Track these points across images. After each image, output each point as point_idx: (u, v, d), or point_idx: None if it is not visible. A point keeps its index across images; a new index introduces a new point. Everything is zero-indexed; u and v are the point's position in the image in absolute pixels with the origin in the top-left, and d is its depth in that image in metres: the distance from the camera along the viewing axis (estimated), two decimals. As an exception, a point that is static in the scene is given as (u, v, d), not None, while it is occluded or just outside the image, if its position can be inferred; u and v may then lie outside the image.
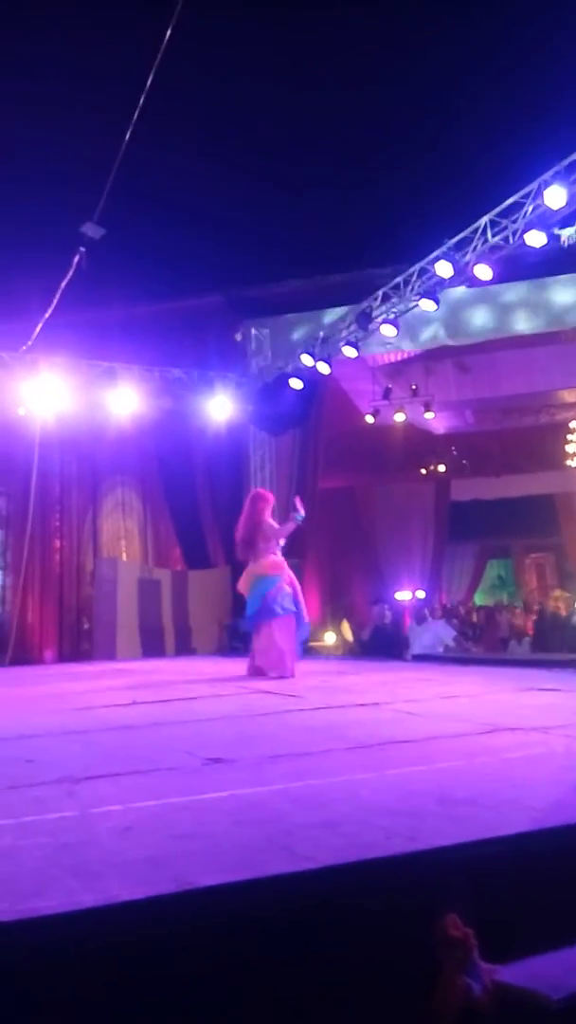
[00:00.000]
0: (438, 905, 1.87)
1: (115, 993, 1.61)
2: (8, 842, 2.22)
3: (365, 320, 11.77)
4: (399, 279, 11.23)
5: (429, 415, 15.76)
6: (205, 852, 2.06)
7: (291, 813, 2.43)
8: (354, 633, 17.15)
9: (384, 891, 1.92)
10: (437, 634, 12.55)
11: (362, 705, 5.37)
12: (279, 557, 8.33)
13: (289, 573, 8.31)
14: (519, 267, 10.60)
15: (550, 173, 8.82)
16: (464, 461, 20.24)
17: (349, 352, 12.23)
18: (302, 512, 8.22)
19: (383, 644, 12.79)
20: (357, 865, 1.94)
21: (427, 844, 2.07)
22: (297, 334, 14.29)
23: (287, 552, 8.76)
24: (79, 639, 15.00)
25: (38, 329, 11.73)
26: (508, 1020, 1.77)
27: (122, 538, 15.94)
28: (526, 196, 9.29)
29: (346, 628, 18.00)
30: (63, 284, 10.34)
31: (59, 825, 2.39)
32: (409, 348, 13.47)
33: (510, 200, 9.48)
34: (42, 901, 1.72)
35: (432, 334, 13.07)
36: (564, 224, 9.10)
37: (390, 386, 15.13)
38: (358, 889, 1.91)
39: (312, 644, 15.79)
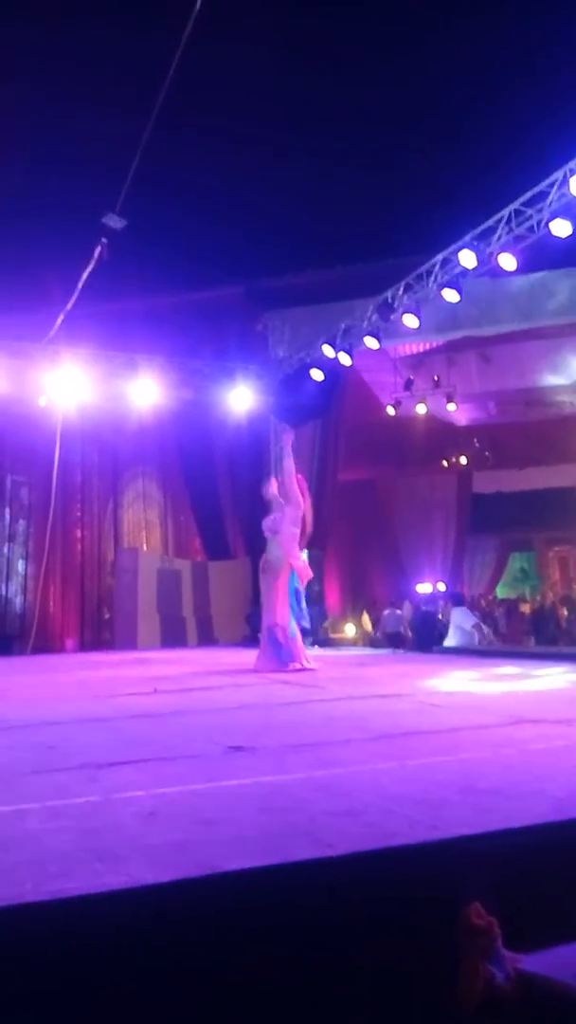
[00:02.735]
0: (462, 894, 1.87)
1: (139, 973, 1.62)
2: (34, 825, 2.25)
3: (387, 311, 11.70)
4: (422, 269, 11.15)
5: (451, 407, 15.66)
6: (229, 838, 2.07)
7: (314, 801, 2.43)
8: (373, 625, 17.14)
9: (407, 879, 1.92)
10: (456, 622, 12.51)
11: (383, 696, 5.37)
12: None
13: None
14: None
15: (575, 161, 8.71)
16: (486, 453, 20.10)
17: (371, 343, 12.17)
18: None
19: (424, 634, 12.91)
20: (381, 853, 1.94)
21: (450, 833, 2.07)
22: (318, 325, 14.24)
23: (309, 542, 8.80)
24: (100, 628, 15.11)
25: (60, 320, 11.77)
26: (531, 1009, 1.76)
27: (143, 528, 16.02)
28: (551, 185, 9.18)
29: (366, 620, 17.99)
30: (85, 275, 10.35)
31: (83, 810, 2.41)
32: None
33: (535, 189, 9.38)
34: (68, 883, 1.74)
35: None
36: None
37: (412, 377, 15.04)
38: (381, 877, 1.91)
39: (333, 636, 15.83)
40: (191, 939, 1.67)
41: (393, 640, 13.70)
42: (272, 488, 8.49)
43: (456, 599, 13.87)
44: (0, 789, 2.72)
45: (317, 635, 13.60)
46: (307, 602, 8.61)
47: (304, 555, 8.40)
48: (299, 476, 8.66)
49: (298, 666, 7.85)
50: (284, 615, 8.03)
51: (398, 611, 14.99)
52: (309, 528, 8.59)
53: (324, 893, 1.84)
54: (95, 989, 1.59)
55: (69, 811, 2.39)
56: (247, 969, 1.71)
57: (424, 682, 6.33)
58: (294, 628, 8.10)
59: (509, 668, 7.65)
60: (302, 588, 8.29)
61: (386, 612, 15.27)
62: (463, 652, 11.23)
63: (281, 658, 7.98)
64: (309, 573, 8.35)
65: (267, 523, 8.60)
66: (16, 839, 2.10)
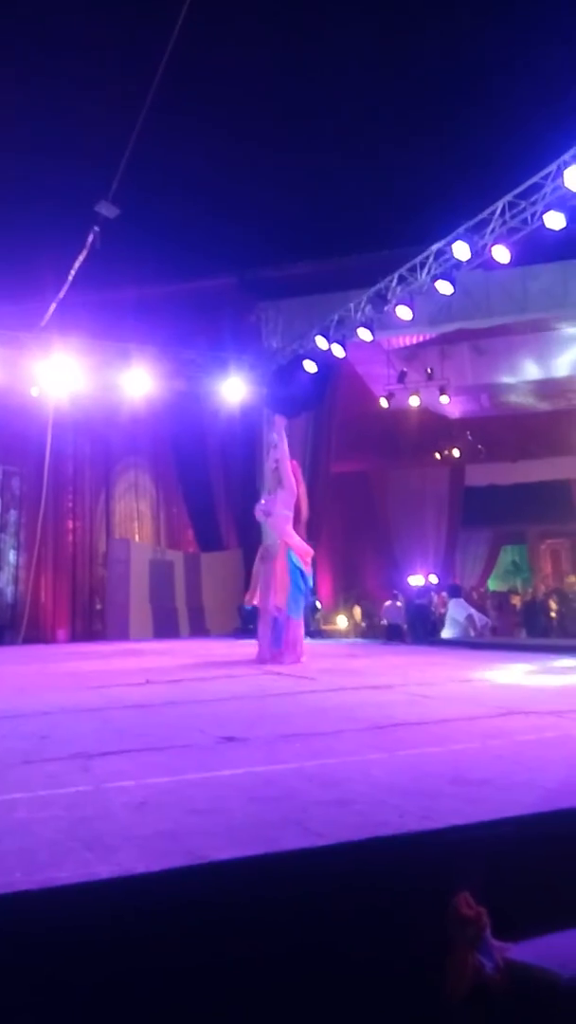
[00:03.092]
0: (451, 883, 1.88)
1: (130, 962, 1.63)
2: (24, 815, 2.24)
3: (380, 302, 11.69)
4: (415, 261, 11.14)
5: (444, 399, 15.67)
6: (220, 827, 2.07)
7: (305, 791, 2.44)
8: (365, 616, 17.19)
9: (397, 869, 1.93)
10: (451, 614, 12.58)
11: (375, 687, 5.38)
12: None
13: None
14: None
15: (570, 154, 8.71)
16: (479, 446, 20.13)
17: (364, 335, 12.16)
18: None
19: (420, 625, 12.97)
20: (371, 842, 1.94)
21: (440, 823, 2.07)
22: (312, 316, 14.21)
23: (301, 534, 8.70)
24: (92, 619, 15.11)
25: (52, 308, 11.72)
26: (519, 997, 1.77)
27: (135, 519, 16.00)
28: (545, 177, 9.17)
29: (357, 612, 18.03)
30: (77, 263, 10.30)
31: (74, 799, 2.40)
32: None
33: (529, 181, 9.37)
34: (58, 872, 1.74)
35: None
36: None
37: (405, 370, 15.04)
38: (372, 866, 1.91)
39: (324, 627, 15.87)
40: (182, 928, 1.68)
41: (393, 632, 13.73)
42: (260, 511, 8.40)
43: (452, 591, 13.92)
44: (-9, 779, 2.71)
45: (309, 627, 13.62)
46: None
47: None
48: (293, 462, 8.59)
49: (294, 657, 7.71)
50: (282, 598, 7.77)
51: (398, 603, 15.01)
52: (305, 513, 8.46)
53: (315, 882, 1.85)
54: (86, 978, 1.59)
55: (60, 800, 2.39)
56: (238, 958, 1.71)
57: (415, 674, 6.34)
58: (298, 610, 7.85)
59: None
60: (306, 568, 8.04)
61: (387, 603, 15.30)
62: (454, 644, 11.28)
63: (277, 642, 7.78)
64: (309, 549, 8.11)
65: (259, 507, 8.55)
66: (6, 828, 2.10)
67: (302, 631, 8.07)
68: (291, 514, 8.16)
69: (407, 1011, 1.85)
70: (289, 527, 8.07)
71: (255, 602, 8.27)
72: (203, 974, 1.68)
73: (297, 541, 8.03)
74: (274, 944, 1.75)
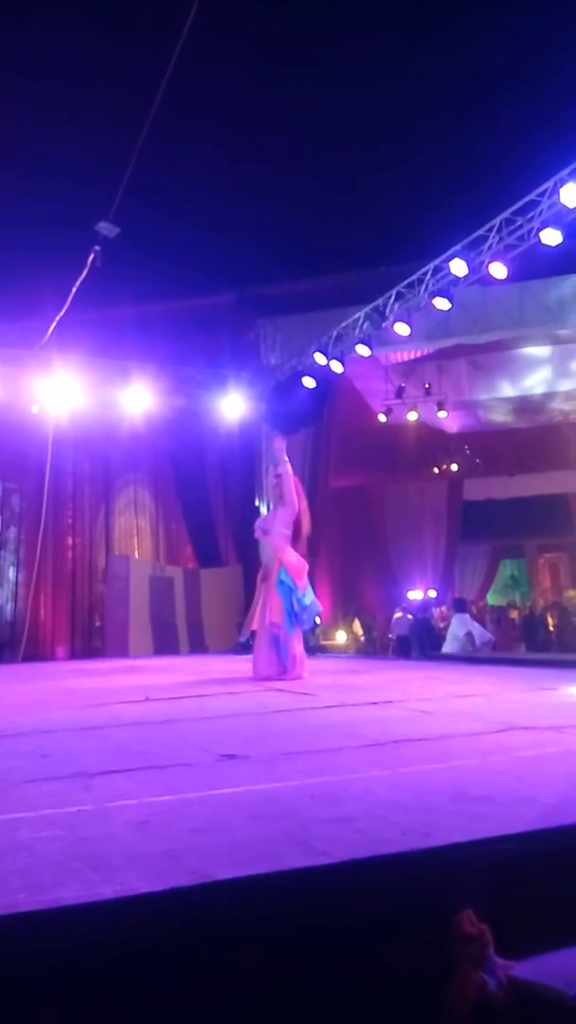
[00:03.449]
0: (454, 901, 1.88)
1: (135, 982, 1.63)
2: (26, 834, 2.25)
3: (378, 318, 11.76)
4: (413, 277, 11.22)
5: (442, 414, 15.73)
6: (222, 846, 2.07)
7: (307, 809, 2.44)
8: (365, 631, 17.15)
9: (400, 886, 1.93)
10: (452, 628, 12.57)
11: (375, 703, 5.38)
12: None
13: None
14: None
15: (567, 171, 8.80)
16: (477, 460, 20.19)
17: (362, 351, 12.22)
18: None
19: (422, 640, 12.95)
20: (374, 860, 1.95)
21: (442, 840, 2.08)
22: (310, 333, 14.29)
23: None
24: (91, 636, 15.09)
25: (52, 327, 11.78)
26: (523, 1016, 1.77)
27: (134, 536, 16.01)
28: (542, 194, 9.26)
29: (357, 627, 17.99)
30: (78, 282, 10.37)
31: (76, 819, 2.41)
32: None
33: (526, 198, 9.46)
34: (62, 892, 1.74)
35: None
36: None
37: (403, 385, 15.11)
38: (375, 884, 1.92)
39: (324, 643, 15.84)
40: (186, 947, 1.68)
41: (403, 644, 13.67)
42: (258, 529, 8.46)
43: (457, 605, 13.91)
44: (-7, 798, 2.71)
45: (308, 642, 13.59)
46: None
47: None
48: (296, 478, 8.63)
49: (297, 673, 7.71)
50: (278, 615, 7.79)
51: (408, 615, 14.96)
52: (307, 529, 8.47)
53: (318, 900, 1.85)
54: (93, 997, 1.59)
55: (62, 820, 2.39)
56: (242, 976, 1.72)
57: (415, 689, 6.34)
58: (291, 627, 7.83)
59: (499, 676, 7.64)
60: (299, 584, 8.01)
61: (397, 616, 15.25)
62: (452, 659, 11.26)
63: (282, 659, 7.76)
64: (303, 563, 8.08)
65: (259, 522, 8.60)
66: (9, 848, 2.10)
67: (301, 646, 8.06)
68: (290, 532, 8.18)
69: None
70: (286, 544, 8.09)
71: (254, 627, 8.24)
72: (207, 991, 1.68)
73: (292, 558, 8.02)
74: (278, 961, 1.75)
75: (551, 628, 15.15)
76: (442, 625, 14.17)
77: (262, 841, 2.11)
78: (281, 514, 8.25)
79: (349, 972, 1.81)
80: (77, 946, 1.63)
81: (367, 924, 1.85)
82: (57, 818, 2.41)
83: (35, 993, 1.56)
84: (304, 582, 8.03)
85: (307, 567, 8.20)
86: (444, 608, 16.84)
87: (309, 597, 8.07)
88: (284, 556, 8.00)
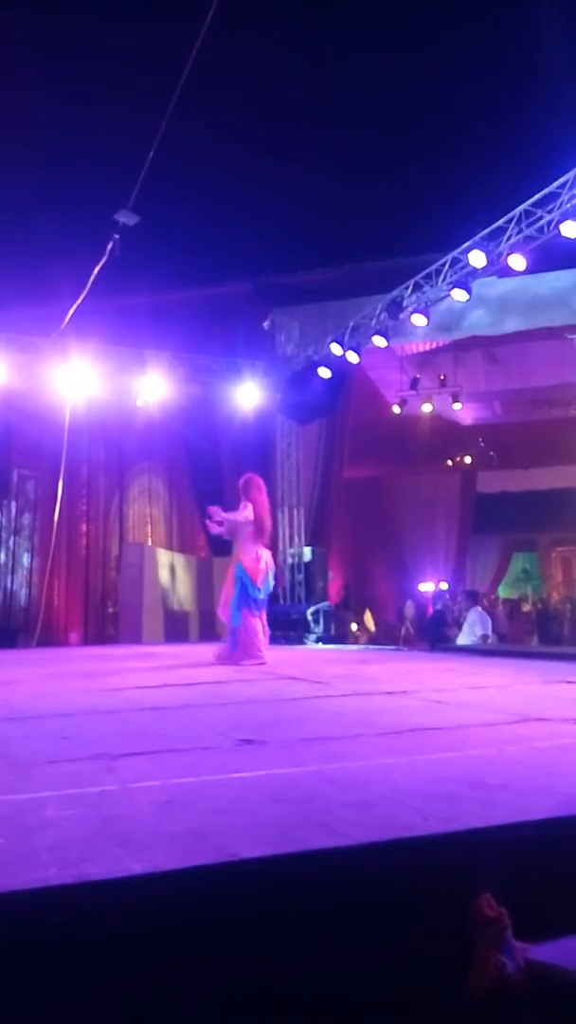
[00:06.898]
0: (473, 885, 1.91)
1: (164, 955, 1.67)
2: (53, 813, 2.29)
3: (396, 309, 11.74)
4: (431, 268, 11.19)
5: (457, 406, 15.70)
6: (244, 827, 2.11)
7: (327, 793, 2.48)
8: (377, 622, 17.18)
9: (422, 869, 1.97)
10: (469, 621, 12.59)
11: (390, 693, 5.41)
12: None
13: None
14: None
15: (587, 162, 8.74)
16: (491, 453, 20.15)
17: (379, 342, 12.21)
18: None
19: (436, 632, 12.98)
20: (395, 843, 1.98)
21: (462, 826, 2.11)
22: (326, 323, 14.27)
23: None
24: (104, 622, 15.19)
25: (70, 314, 11.83)
26: (540, 996, 1.81)
27: (148, 523, 16.09)
28: (562, 186, 9.21)
29: (368, 618, 18.03)
30: (96, 270, 10.41)
31: (101, 798, 2.45)
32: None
33: (546, 190, 9.41)
34: (91, 867, 1.78)
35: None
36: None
37: (418, 376, 15.09)
38: (397, 867, 1.95)
39: (334, 632, 15.87)
40: (213, 923, 1.72)
41: (432, 629, 13.73)
42: (226, 533, 8.80)
43: (469, 597, 13.93)
44: (18, 778, 2.76)
45: (328, 633, 13.66)
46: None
47: (265, 554, 8.55)
48: (255, 477, 8.95)
49: (247, 656, 8.14)
50: (225, 610, 8.46)
51: (438, 606, 15.00)
52: (269, 527, 8.83)
53: (339, 881, 1.89)
54: (122, 973, 1.64)
55: (87, 799, 2.44)
56: (263, 953, 1.76)
57: (429, 680, 6.37)
58: (238, 618, 8.29)
59: (512, 668, 7.66)
60: (255, 579, 8.37)
61: (408, 606, 15.30)
62: (466, 651, 11.28)
63: (234, 646, 8.30)
64: (257, 569, 8.39)
65: (225, 525, 8.80)
66: (38, 825, 2.15)
67: (256, 634, 8.38)
68: (253, 529, 8.54)
69: (428, 1010, 1.89)
70: (249, 545, 8.47)
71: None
72: (231, 965, 1.73)
73: (250, 559, 8.43)
74: (300, 939, 1.79)
75: (566, 622, 15.15)
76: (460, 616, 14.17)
77: (284, 823, 2.14)
78: (245, 526, 8.53)
79: (370, 952, 1.85)
80: (107, 921, 1.67)
81: (389, 906, 1.89)
82: (83, 797, 2.46)
83: (68, 965, 1.61)
84: (260, 579, 8.42)
85: (259, 560, 8.42)
86: (460, 599, 16.83)
87: (264, 591, 8.50)
88: (243, 557, 8.45)
